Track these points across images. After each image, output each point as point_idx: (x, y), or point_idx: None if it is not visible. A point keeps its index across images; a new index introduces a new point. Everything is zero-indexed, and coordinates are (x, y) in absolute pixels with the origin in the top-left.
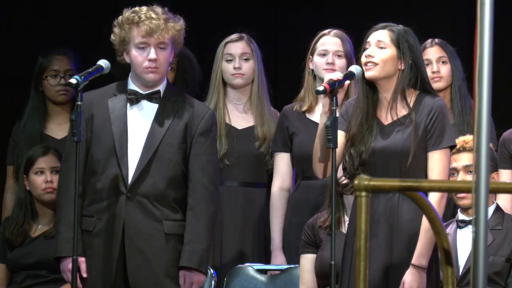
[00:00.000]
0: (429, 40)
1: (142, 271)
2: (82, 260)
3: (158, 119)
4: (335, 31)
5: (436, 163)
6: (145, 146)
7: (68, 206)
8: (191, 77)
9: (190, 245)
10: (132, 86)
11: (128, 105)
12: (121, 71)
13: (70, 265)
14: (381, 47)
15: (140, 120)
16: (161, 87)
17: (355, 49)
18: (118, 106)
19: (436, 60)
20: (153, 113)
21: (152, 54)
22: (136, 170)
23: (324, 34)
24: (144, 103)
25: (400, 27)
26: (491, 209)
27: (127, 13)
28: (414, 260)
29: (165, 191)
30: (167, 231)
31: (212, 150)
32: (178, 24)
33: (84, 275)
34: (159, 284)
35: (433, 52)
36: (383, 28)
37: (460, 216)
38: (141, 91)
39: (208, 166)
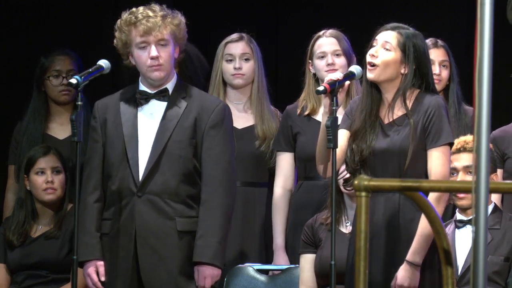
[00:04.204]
0: (433, 40)
1: (156, 270)
2: (100, 263)
3: (166, 117)
4: (330, 31)
5: (436, 161)
6: (154, 144)
7: (84, 211)
8: (192, 70)
9: (202, 240)
10: (141, 87)
11: (138, 106)
12: (130, 77)
13: (89, 269)
14: (386, 48)
15: (149, 120)
16: (169, 85)
17: (355, 47)
18: (129, 109)
19: (439, 63)
20: (162, 111)
21: (153, 52)
22: (146, 168)
23: (319, 36)
24: (153, 102)
25: (410, 30)
26: (489, 209)
27: (124, 15)
28: (408, 257)
29: (177, 187)
30: (180, 229)
31: (225, 142)
32: (176, 19)
33: (102, 278)
34: (173, 282)
35: (436, 54)
36: (392, 29)
37: (459, 216)
38: (149, 91)
39: (221, 159)
